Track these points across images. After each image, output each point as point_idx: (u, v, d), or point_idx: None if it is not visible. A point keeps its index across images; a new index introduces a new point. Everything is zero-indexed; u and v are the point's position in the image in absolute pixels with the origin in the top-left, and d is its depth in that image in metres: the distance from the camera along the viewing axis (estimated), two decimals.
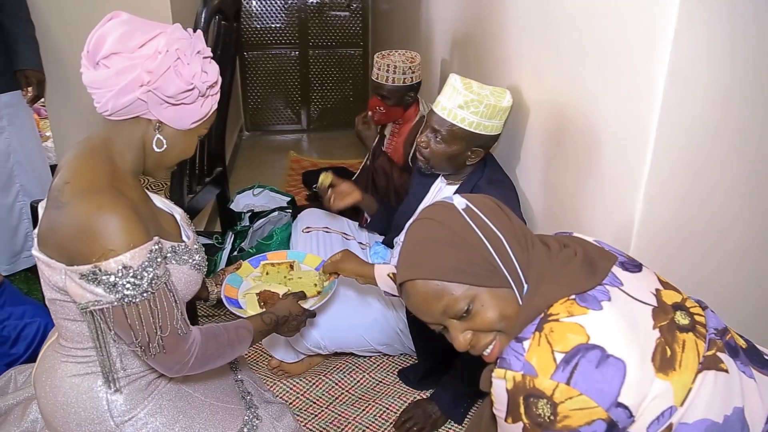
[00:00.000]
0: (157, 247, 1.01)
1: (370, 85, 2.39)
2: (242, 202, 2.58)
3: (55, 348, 1.15)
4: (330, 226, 2.15)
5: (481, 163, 1.70)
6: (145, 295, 0.98)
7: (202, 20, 1.72)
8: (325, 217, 2.18)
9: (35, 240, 1.05)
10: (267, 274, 1.54)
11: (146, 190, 1.23)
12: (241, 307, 1.43)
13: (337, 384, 1.88)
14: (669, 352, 0.82)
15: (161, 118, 1.04)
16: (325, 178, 1.89)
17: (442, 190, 1.82)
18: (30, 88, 2.32)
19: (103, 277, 0.96)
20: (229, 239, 2.23)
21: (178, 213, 1.26)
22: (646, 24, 1.10)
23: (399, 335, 1.88)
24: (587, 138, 1.35)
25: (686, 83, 1.07)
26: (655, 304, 0.87)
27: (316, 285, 1.50)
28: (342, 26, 4.83)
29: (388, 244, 2.10)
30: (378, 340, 1.88)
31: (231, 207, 2.51)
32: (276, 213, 2.38)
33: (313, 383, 1.87)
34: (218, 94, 1.11)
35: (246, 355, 2.01)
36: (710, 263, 1.27)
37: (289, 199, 2.59)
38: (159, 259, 1.01)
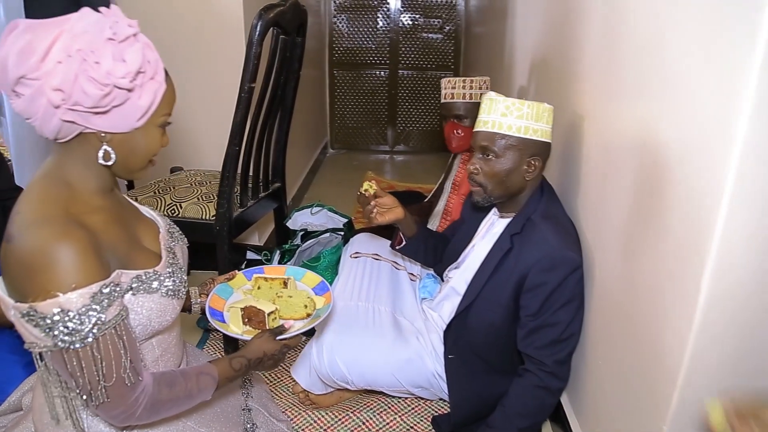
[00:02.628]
0: (106, 290, 0.90)
1: (442, 111, 2.23)
2: (300, 220, 2.49)
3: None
4: (380, 253, 2.03)
5: (538, 195, 1.54)
6: (86, 342, 0.88)
7: (257, 33, 1.67)
8: (376, 244, 2.06)
9: None
10: (258, 288, 1.40)
11: (131, 202, 1.15)
12: (223, 321, 1.29)
13: (364, 423, 1.75)
14: None
15: (100, 128, 0.92)
16: (369, 187, 1.68)
17: (494, 224, 1.66)
18: None
19: (39, 320, 0.86)
20: (276, 257, 2.16)
21: (162, 226, 1.15)
22: (729, 52, 0.91)
23: (436, 379, 1.71)
24: (654, 173, 1.15)
25: None
26: None
27: (306, 306, 1.34)
28: (434, 48, 4.76)
29: (439, 274, 1.95)
30: (412, 382, 1.72)
31: (287, 224, 2.44)
32: (327, 234, 2.28)
33: (339, 419, 1.75)
34: (159, 75, 0.94)
35: (267, 378, 1.92)
36: None
37: (346, 220, 2.49)
38: (106, 302, 0.90)
